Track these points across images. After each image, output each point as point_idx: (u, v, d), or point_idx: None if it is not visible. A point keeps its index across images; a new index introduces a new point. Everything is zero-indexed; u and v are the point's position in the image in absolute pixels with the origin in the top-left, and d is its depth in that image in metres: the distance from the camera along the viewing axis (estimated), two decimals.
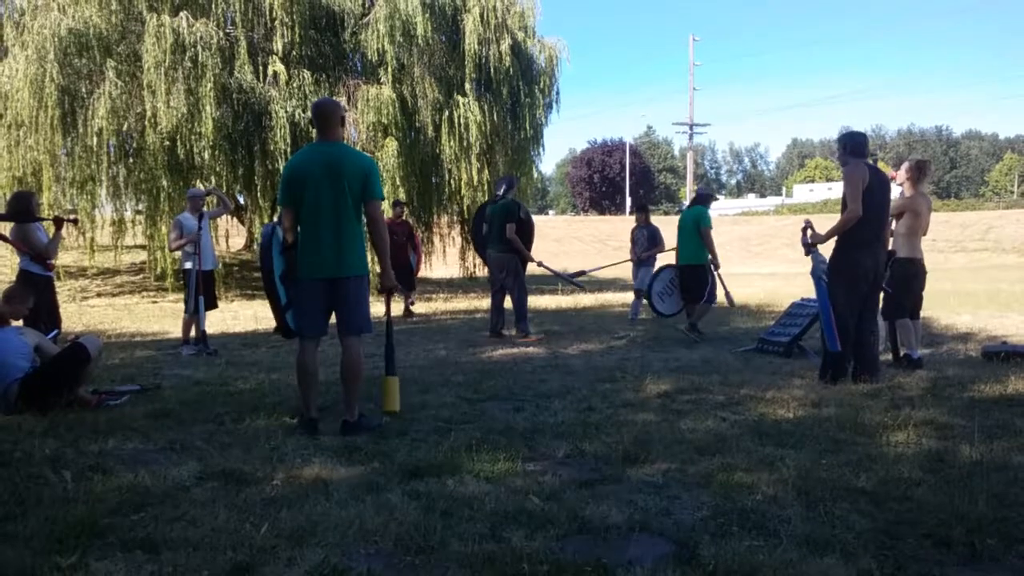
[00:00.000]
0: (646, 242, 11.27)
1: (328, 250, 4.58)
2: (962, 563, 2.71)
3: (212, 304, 8.81)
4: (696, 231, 9.11)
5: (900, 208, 6.68)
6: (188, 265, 8.58)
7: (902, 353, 6.79)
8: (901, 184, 6.87)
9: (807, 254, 6.27)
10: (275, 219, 5.30)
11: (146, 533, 2.97)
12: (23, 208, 6.91)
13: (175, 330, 9.09)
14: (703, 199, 9.70)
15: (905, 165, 6.95)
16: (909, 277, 6.73)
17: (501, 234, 9.16)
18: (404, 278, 11.45)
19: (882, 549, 2.80)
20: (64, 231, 15.09)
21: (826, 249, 6.16)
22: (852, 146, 6.08)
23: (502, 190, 9.49)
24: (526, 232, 9.50)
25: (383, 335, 5.24)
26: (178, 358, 7.95)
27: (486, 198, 17.30)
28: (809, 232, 6.21)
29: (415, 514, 3.16)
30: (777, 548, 2.78)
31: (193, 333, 8.55)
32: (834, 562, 2.68)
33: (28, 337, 5.41)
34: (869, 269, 5.93)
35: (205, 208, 8.90)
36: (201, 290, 8.34)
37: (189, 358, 7.94)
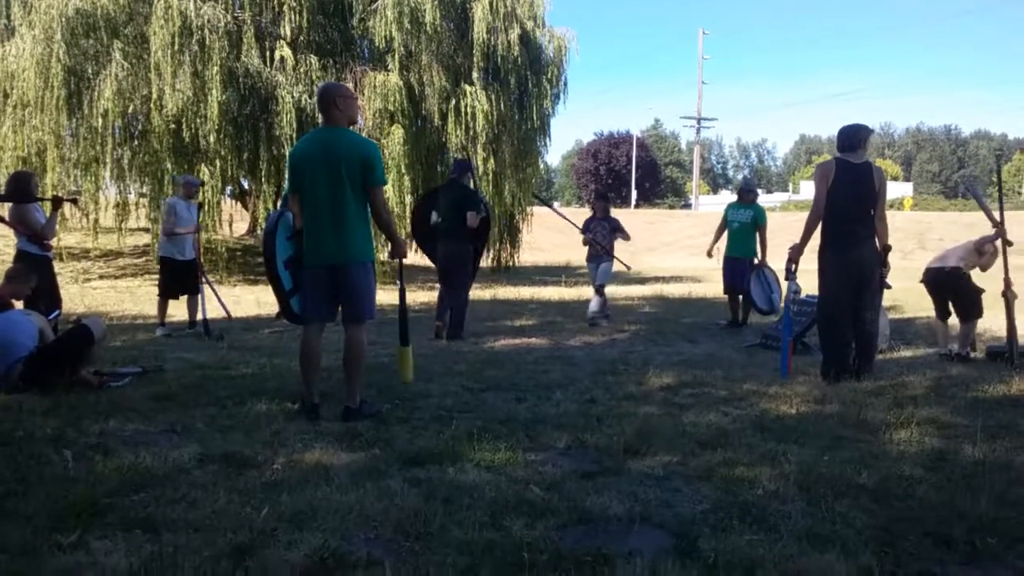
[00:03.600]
0: (608, 235, 9.94)
1: (329, 237, 4.58)
2: (963, 562, 2.70)
3: (196, 289, 8.82)
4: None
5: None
6: (168, 253, 8.66)
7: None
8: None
9: (786, 278, 6.36)
10: (280, 205, 5.29)
11: (146, 513, 2.98)
12: (22, 188, 6.88)
13: (178, 313, 9.10)
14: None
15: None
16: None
17: (459, 223, 8.15)
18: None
19: (882, 546, 2.79)
20: (67, 211, 15.29)
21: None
22: (840, 141, 6.13)
23: (456, 174, 8.56)
24: (482, 229, 8.64)
25: (385, 322, 5.23)
26: (178, 340, 7.99)
27: (492, 187, 17.25)
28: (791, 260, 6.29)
29: (415, 501, 3.16)
30: (777, 543, 2.78)
31: (188, 317, 8.74)
32: (834, 558, 2.67)
33: (35, 319, 5.44)
34: (851, 263, 5.88)
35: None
36: (201, 278, 8.49)
37: (176, 339, 8.06)
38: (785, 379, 5.97)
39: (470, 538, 2.78)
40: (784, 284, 6.92)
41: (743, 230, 9.66)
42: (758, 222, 9.61)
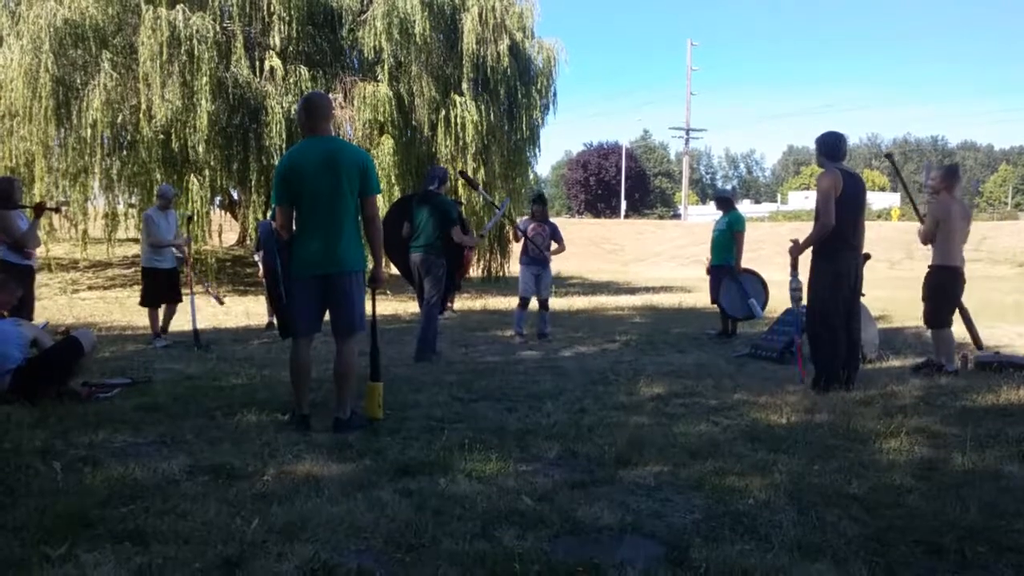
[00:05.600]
0: (547, 240, 9.23)
1: (322, 246, 4.56)
2: (953, 571, 2.71)
3: (179, 298, 8.84)
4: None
5: (932, 216, 6.69)
6: (149, 264, 8.67)
7: (939, 362, 6.75)
8: (935, 192, 6.86)
9: (791, 275, 6.41)
10: (269, 217, 5.27)
11: (136, 525, 2.96)
12: (3, 194, 6.76)
13: (169, 325, 9.07)
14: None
15: (934, 174, 6.98)
16: (944, 284, 6.70)
17: (432, 233, 7.52)
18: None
19: (873, 555, 2.79)
20: (56, 221, 15.23)
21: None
22: (826, 148, 6.03)
23: (435, 185, 7.80)
24: (458, 249, 8.00)
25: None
26: (166, 351, 7.96)
27: (481, 198, 17.25)
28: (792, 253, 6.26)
29: (406, 512, 3.15)
30: (768, 553, 2.78)
31: (161, 323, 8.75)
32: (825, 568, 2.68)
33: (25, 329, 5.39)
34: (845, 273, 5.91)
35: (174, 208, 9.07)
36: (191, 287, 8.49)
37: (163, 350, 8.05)
38: (802, 383, 5.99)
39: (461, 549, 2.78)
40: (787, 283, 6.84)
41: (721, 239, 9.77)
42: (733, 228, 9.65)
